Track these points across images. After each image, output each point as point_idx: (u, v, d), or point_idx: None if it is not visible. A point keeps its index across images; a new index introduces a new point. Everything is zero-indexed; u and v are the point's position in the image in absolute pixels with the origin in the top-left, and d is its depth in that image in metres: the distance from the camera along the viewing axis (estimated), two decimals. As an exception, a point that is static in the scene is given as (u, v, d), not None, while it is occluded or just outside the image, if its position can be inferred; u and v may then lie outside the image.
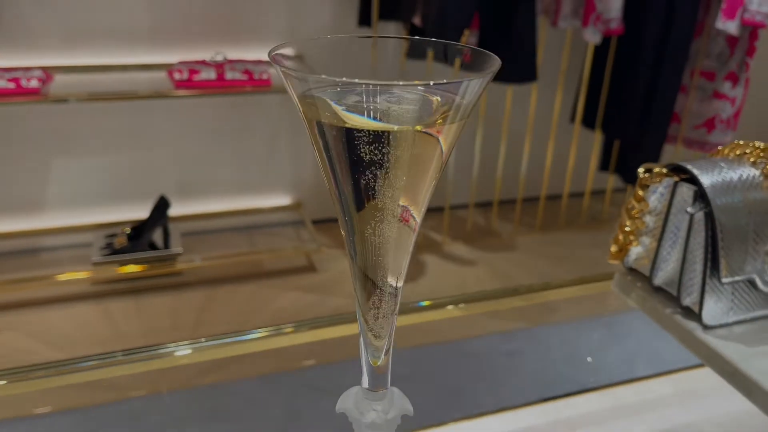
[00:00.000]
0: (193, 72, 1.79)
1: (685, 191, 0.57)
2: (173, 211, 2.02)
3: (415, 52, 1.75)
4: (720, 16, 1.97)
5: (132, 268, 1.87)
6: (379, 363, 0.33)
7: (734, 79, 2.16)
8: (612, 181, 2.42)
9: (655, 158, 2.24)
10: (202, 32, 1.95)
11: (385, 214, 0.33)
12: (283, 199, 2.23)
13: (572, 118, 2.29)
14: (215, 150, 2.10)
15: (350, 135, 0.30)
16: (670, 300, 0.60)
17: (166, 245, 1.96)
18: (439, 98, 0.31)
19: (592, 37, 1.96)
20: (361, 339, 0.34)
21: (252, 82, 1.81)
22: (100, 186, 2.04)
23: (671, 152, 2.36)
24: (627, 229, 0.61)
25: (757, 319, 0.58)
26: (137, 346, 0.75)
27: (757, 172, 0.56)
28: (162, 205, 1.94)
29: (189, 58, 1.91)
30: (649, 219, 0.60)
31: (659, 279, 0.60)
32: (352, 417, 0.34)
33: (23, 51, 1.82)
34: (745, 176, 0.56)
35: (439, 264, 2.09)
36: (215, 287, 1.91)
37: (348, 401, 0.34)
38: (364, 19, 1.96)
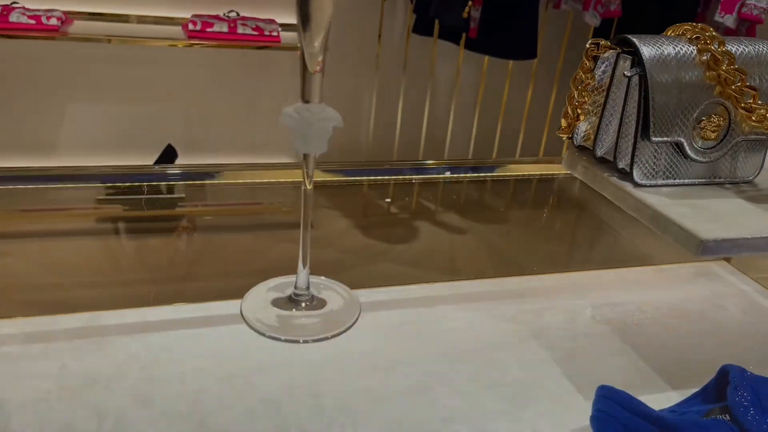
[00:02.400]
0: (206, 24, 1.87)
1: (626, 61, 0.63)
2: (179, 162, 2.09)
3: (421, 28, 1.90)
4: (718, 9, 2.03)
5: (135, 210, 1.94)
6: (317, 69, 0.39)
7: (731, 74, 2.22)
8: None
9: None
10: (217, -9, 2.03)
11: None
12: (286, 159, 2.30)
13: (571, 104, 2.36)
14: (224, 107, 2.17)
15: None
16: (609, 167, 0.66)
17: (170, 192, 2.03)
18: None
19: (592, 20, 2.02)
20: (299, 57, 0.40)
21: (262, 37, 1.89)
22: (112, 132, 2.11)
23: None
24: (575, 102, 0.67)
25: (685, 185, 0.64)
26: (133, 278, 0.81)
27: (693, 48, 0.62)
28: (169, 152, 2.02)
29: (203, 12, 1.99)
30: (595, 97, 0.67)
31: (601, 149, 0.66)
32: (289, 122, 0.40)
33: (45, -6, 1.91)
34: (681, 51, 0.62)
35: (431, 230, 2.15)
36: (215, 234, 1.98)
37: (288, 110, 0.40)
38: (374, -10, 2.04)
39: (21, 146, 2.05)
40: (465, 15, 1.84)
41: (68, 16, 1.85)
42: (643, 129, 0.61)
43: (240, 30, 1.88)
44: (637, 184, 0.62)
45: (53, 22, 1.73)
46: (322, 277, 0.67)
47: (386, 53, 2.14)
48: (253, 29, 1.90)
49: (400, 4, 2.19)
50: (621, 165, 0.64)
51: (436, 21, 2.08)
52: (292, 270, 0.64)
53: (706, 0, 2.14)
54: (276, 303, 0.61)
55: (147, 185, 0.75)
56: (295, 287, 0.59)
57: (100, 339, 0.60)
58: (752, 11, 2.00)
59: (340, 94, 2.27)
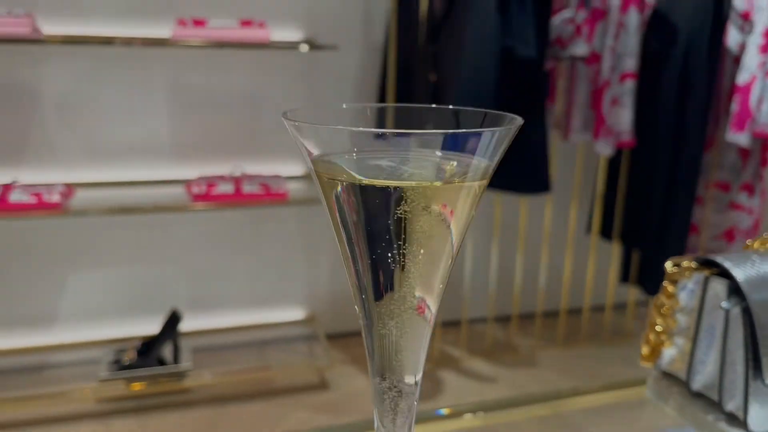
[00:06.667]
0: (210, 185, 1.82)
1: (718, 286, 0.53)
2: (184, 325, 1.98)
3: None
4: (729, 129, 2.00)
5: (139, 385, 1.81)
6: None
7: (750, 189, 2.16)
8: (633, 293, 2.36)
9: (675, 269, 2.20)
10: (221, 149, 2.00)
11: (403, 303, 0.33)
12: (296, 313, 2.19)
13: (588, 229, 2.28)
14: (229, 263, 2.09)
15: (366, 194, 0.30)
16: (712, 406, 0.55)
17: (176, 361, 1.91)
18: (454, 162, 0.30)
19: (604, 149, 1.99)
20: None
21: (268, 195, 1.83)
22: (113, 300, 2.02)
23: (692, 263, 2.32)
24: (658, 328, 0.57)
25: (811, 428, 0.53)
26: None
27: (793, 265, 0.53)
28: (173, 319, 1.91)
29: (208, 172, 1.95)
30: (681, 318, 0.57)
31: (698, 383, 0.56)
32: None
33: (47, 167, 1.88)
34: (780, 270, 0.53)
35: (458, 380, 2.00)
36: (223, 405, 1.84)
37: None
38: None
39: (19, 322, 1.95)
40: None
41: (70, 188, 1.80)
42: (755, 370, 0.51)
43: (246, 188, 1.83)
44: (755, 435, 0.51)
45: (55, 198, 1.68)
46: None
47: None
48: (259, 186, 1.85)
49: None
50: (729, 407, 0.53)
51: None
52: None
53: (715, 120, 2.11)
54: None
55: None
56: None
57: None
58: (765, 129, 1.95)
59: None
